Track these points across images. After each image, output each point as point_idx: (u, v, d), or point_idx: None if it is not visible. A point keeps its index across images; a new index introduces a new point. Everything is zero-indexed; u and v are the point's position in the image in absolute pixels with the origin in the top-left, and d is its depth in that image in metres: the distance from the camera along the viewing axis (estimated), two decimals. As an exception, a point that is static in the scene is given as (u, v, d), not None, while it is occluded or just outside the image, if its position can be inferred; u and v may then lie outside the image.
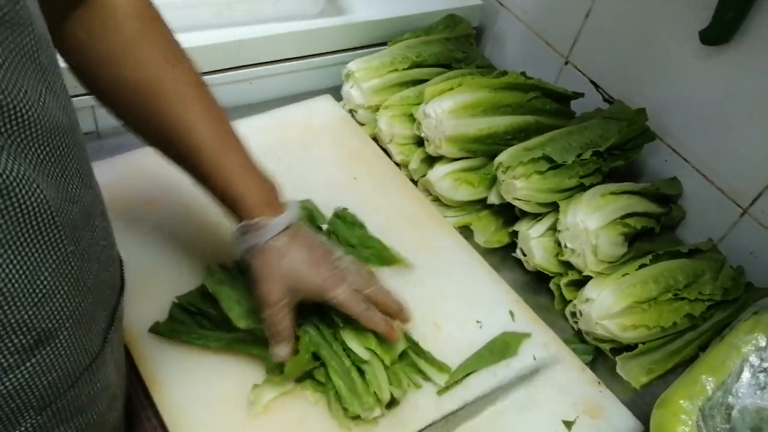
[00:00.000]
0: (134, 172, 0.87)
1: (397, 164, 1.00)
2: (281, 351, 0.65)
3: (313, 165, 0.95)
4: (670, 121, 0.98)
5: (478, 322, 0.80)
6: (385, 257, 0.83)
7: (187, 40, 0.92)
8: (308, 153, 0.97)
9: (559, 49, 1.11)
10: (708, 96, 0.91)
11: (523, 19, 1.16)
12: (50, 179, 0.40)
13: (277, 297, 0.64)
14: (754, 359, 0.60)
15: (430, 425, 0.69)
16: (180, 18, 0.94)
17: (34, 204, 0.38)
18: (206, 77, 0.98)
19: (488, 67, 1.13)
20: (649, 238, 0.92)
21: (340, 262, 0.68)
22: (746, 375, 0.59)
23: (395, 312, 0.70)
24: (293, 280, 0.64)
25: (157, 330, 0.71)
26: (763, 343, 0.62)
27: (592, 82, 1.07)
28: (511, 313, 0.82)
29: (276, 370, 0.67)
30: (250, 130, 0.97)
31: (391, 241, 0.86)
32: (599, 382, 0.77)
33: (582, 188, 0.87)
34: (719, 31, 0.85)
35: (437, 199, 0.95)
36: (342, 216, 0.86)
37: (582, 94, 1.04)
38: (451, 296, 0.82)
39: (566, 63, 1.10)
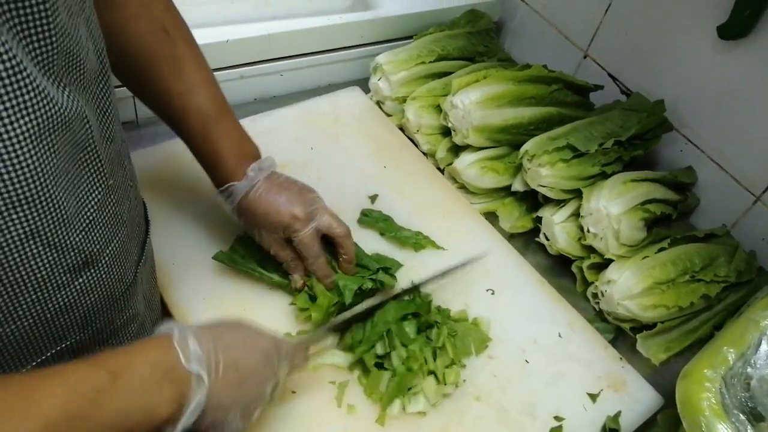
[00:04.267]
0: (173, 160, 0.91)
1: (424, 153, 1.04)
2: (297, 280, 0.76)
3: (343, 154, 1.00)
4: (686, 113, 1.02)
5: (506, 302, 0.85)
6: (418, 242, 0.88)
7: (223, 33, 0.98)
8: (338, 143, 1.01)
9: (578, 43, 1.15)
10: (723, 88, 0.96)
11: (542, 14, 1.20)
12: (94, 118, 0.47)
13: (265, 243, 0.74)
14: (771, 333, 0.65)
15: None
16: (220, 12, 0.99)
17: (85, 138, 0.46)
18: (240, 69, 1.04)
19: (509, 61, 1.17)
20: (666, 224, 0.96)
21: (315, 200, 0.75)
22: (764, 347, 0.64)
23: (346, 262, 0.77)
24: (270, 223, 0.72)
25: (219, 258, 0.78)
26: (780, 318, 0.67)
27: (610, 75, 1.11)
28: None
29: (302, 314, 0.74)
30: (282, 120, 1.02)
31: (420, 228, 0.90)
32: (621, 358, 0.81)
33: (604, 176, 0.92)
34: (737, 27, 0.89)
35: (463, 187, 1.00)
36: (368, 214, 0.90)
37: (601, 87, 1.08)
38: (479, 279, 0.87)
39: (585, 57, 1.14)
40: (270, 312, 0.77)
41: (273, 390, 0.59)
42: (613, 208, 0.85)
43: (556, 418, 0.74)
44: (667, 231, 0.93)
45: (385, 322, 0.73)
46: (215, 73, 1.00)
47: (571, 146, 0.91)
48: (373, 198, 0.94)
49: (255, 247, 0.78)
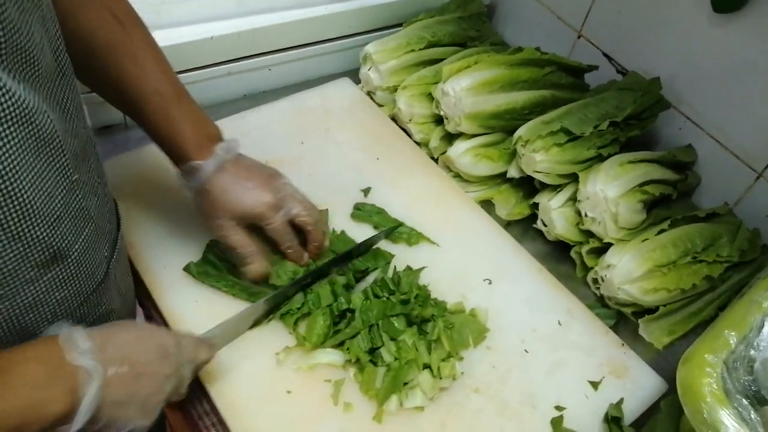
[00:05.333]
0: (162, 162, 0.89)
1: (417, 143, 1.02)
2: (254, 269, 0.73)
3: (335, 147, 0.98)
4: (683, 90, 0.99)
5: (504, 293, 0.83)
6: (412, 236, 0.86)
7: (207, 30, 0.97)
8: (330, 136, 1.00)
9: (572, 23, 1.12)
10: (721, 63, 0.93)
11: (534, -5, 1.17)
12: (56, 113, 0.48)
13: (224, 231, 0.72)
14: (774, 314, 0.63)
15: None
16: (203, 8, 0.97)
17: (48, 132, 0.46)
18: (227, 65, 1.03)
19: (501, 45, 1.15)
20: (666, 204, 0.94)
21: (284, 187, 0.74)
22: (767, 329, 0.62)
23: (316, 249, 0.77)
24: (237, 210, 0.70)
25: (189, 270, 0.76)
26: (782, 299, 0.65)
27: (605, 54, 1.09)
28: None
29: (302, 339, 0.72)
30: (271, 115, 1.01)
31: (415, 218, 0.89)
32: (623, 344, 0.80)
33: (600, 159, 0.90)
34: (731, 0, 0.86)
35: (458, 176, 0.98)
36: (361, 208, 0.89)
37: (596, 67, 1.06)
38: (476, 269, 0.85)
39: (579, 37, 1.12)
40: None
41: (177, 386, 0.59)
42: (610, 191, 0.84)
43: (557, 407, 0.72)
44: (667, 212, 0.91)
45: (367, 320, 0.72)
46: (201, 71, 1.01)
47: (566, 129, 0.89)
48: (366, 191, 0.92)
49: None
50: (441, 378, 0.71)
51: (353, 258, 0.81)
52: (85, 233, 0.53)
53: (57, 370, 0.48)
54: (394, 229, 0.86)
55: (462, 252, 0.87)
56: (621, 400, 0.73)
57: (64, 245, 0.51)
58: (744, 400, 0.58)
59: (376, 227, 0.87)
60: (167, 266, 0.78)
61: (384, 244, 0.85)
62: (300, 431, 0.67)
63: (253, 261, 0.74)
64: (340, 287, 0.75)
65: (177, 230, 0.82)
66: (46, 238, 0.48)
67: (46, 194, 0.47)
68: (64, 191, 0.49)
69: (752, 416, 0.56)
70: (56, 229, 0.49)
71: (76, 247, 0.52)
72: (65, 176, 0.49)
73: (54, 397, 0.47)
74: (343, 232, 0.85)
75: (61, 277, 0.52)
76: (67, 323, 0.52)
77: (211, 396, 0.69)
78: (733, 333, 0.62)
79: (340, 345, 0.73)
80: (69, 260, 0.52)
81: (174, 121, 0.69)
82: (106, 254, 0.59)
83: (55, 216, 0.49)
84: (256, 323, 0.74)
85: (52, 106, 0.47)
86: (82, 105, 0.54)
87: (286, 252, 0.77)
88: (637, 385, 0.76)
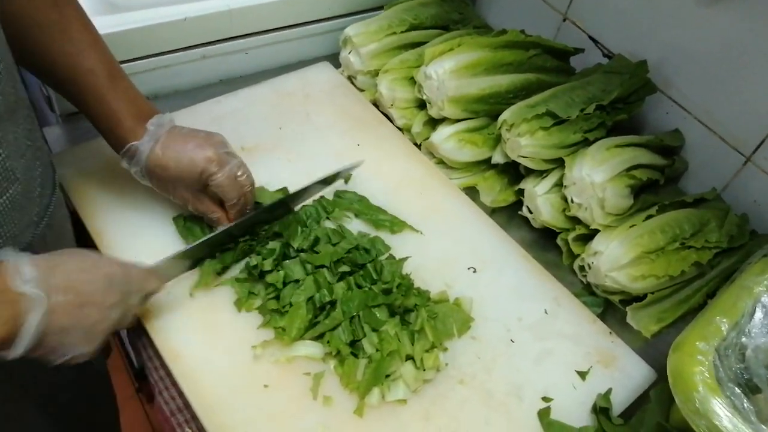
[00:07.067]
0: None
1: (399, 129, 0.99)
2: (217, 221, 0.75)
3: (315, 133, 0.95)
4: (670, 74, 0.97)
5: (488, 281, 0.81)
6: (395, 225, 0.83)
7: (181, 11, 0.93)
8: (309, 121, 0.97)
9: (557, 6, 1.09)
10: (709, 46, 0.91)
11: (518, -23, 1.15)
12: None
13: (186, 196, 0.73)
14: (766, 300, 0.61)
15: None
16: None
17: None
18: (202, 49, 0.99)
19: (485, 28, 1.12)
20: (653, 190, 0.92)
21: (224, 144, 0.73)
22: (759, 315, 0.60)
23: (244, 206, 0.76)
24: (185, 173, 0.70)
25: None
26: (773, 284, 0.63)
27: (591, 38, 1.07)
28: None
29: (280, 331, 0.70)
30: (248, 100, 0.98)
31: (398, 206, 0.86)
32: (611, 333, 0.78)
33: (586, 143, 0.87)
34: (720, -22, 0.84)
35: (442, 162, 0.95)
36: (342, 195, 0.86)
37: (582, 50, 1.03)
38: (460, 257, 0.83)
39: (564, 20, 1.09)
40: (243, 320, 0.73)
41: (123, 315, 0.60)
42: (596, 175, 0.81)
43: (544, 398, 0.70)
44: (654, 197, 0.89)
45: (348, 311, 0.70)
46: (174, 54, 0.97)
47: (551, 113, 0.86)
48: (347, 178, 0.89)
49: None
50: (424, 369, 0.69)
51: (291, 206, 0.81)
52: (8, 194, 0.54)
53: (1, 295, 0.49)
54: (335, 177, 0.85)
55: (446, 240, 0.84)
56: (609, 390, 0.71)
57: None
58: (736, 388, 0.56)
59: (356, 215, 0.84)
60: (138, 255, 0.75)
61: (368, 233, 0.82)
62: (278, 426, 0.64)
63: (216, 224, 0.75)
64: (323, 277, 0.72)
65: (147, 218, 0.79)
66: None
67: None
68: None
69: (745, 405, 0.54)
70: None
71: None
72: None
73: None
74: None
75: None
76: (13, 250, 0.53)
77: (184, 391, 0.66)
78: (724, 320, 0.60)
79: (319, 337, 0.70)
80: None
81: (107, 102, 0.68)
82: (32, 219, 0.60)
83: None
84: (200, 261, 0.74)
85: None
86: (14, 69, 0.55)
87: (230, 210, 0.74)
88: (625, 375, 0.74)
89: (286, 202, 0.80)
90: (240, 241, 0.76)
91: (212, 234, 0.74)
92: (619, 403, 0.71)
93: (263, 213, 0.78)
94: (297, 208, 0.82)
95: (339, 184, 0.88)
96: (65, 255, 0.57)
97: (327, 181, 0.85)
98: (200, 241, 0.73)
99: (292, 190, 0.83)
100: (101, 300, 0.56)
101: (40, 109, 1.19)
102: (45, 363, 0.55)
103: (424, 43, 1.03)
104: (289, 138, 0.93)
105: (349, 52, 1.02)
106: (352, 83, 1.05)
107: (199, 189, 0.73)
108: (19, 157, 0.55)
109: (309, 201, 0.83)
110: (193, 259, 0.73)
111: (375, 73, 1.01)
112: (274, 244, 0.75)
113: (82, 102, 0.69)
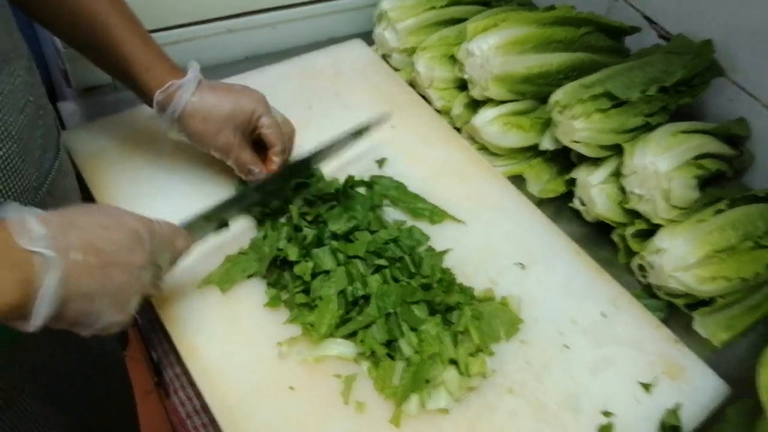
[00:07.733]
0: (149, 125, 0.80)
1: (438, 111, 0.92)
2: (256, 175, 0.71)
3: (346, 114, 0.87)
4: (735, 57, 0.88)
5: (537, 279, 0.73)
6: (435, 214, 0.76)
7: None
8: (341, 101, 0.89)
9: (609, -18, 1.01)
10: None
11: (567, -48, 1.06)
12: None
13: (235, 150, 0.69)
14: None
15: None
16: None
17: None
18: (227, 22, 0.92)
19: (529, 6, 1.04)
20: (718, 183, 0.83)
21: (259, 94, 0.71)
22: None
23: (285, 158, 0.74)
24: (236, 113, 0.68)
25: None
26: None
27: (646, 17, 0.98)
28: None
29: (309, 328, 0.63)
30: (276, 77, 0.91)
31: (436, 194, 0.78)
32: (677, 340, 0.69)
33: (648, 128, 0.79)
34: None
35: (484, 147, 0.87)
36: (377, 181, 0.78)
37: (639, 29, 0.95)
38: (506, 251, 0.75)
39: (617, -2, 1.01)
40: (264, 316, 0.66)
41: (154, 277, 0.54)
42: (662, 163, 0.73)
43: (605, 413, 0.62)
44: (720, 192, 0.81)
45: (384, 307, 0.63)
46: (198, 27, 0.91)
47: (609, 94, 0.78)
48: (381, 162, 0.82)
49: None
50: (469, 376, 0.61)
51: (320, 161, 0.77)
52: (2, 151, 0.50)
53: (4, 255, 0.42)
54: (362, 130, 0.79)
55: (490, 232, 0.76)
56: (678, 406, 0.63)
57: None
58: None
59: (393, 203, 0.77)
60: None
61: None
62: (304, 435, 0.57)
63: (255, 176, 0.72)
64: (356, 268, 0.65)
65: (163, 196, 0.73)
66: None
67: None
68: None
69: None
70: None
71: None
72: None
73: (3, 286, 0.41)
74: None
75: None
76: (17, 204, 0.46)
77: (201, 390, 0.59)
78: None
79: (352, 335, 0.62)
80: None
81: (137, 45, 0.65)
82: (32, 183, 0.55)
83: None
84: (225, 221, 0.68)
85: None
86: (8, 13, 0.52)
87: (275, 156, 0.71)
88: (694, 388, 0.66)
89: (317, 157, 0.75)
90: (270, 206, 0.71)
91: (243, 190, 0.71)
92: (688, 419, 0.63)
93: (296, 167, 0.74)
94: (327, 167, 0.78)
95: (373, 169, 0.80)
96: (81, 210, 0.50)
97: (356, 134, 0.79)
98: (231, 197, 0.68)
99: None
100: (127, 259, 0.50)
101: (57, 85, 1.14)
102: (75, 333, 0.49)
103: (464, 19, 0.95)
104: (318, 117, 0.86)
105: (384, 29, 0.95)
106: (387, 62, 0.97)
107: (244, 137, 0.69)
108: (17, 112, 0.51)
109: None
110: (222, 218, 0.67)
111: (412, 51, 0.93)
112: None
113: (113, 54, 0.65)
